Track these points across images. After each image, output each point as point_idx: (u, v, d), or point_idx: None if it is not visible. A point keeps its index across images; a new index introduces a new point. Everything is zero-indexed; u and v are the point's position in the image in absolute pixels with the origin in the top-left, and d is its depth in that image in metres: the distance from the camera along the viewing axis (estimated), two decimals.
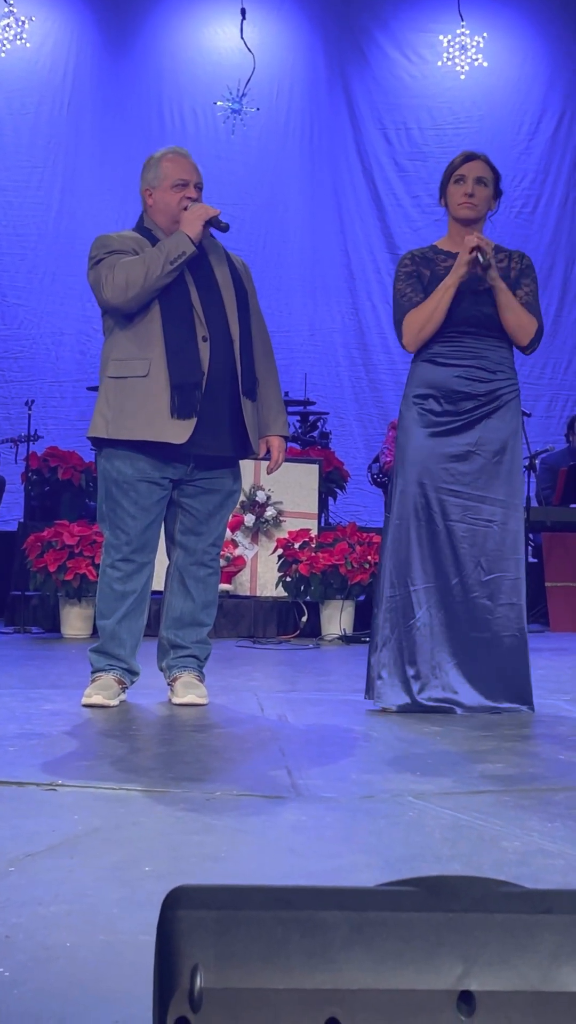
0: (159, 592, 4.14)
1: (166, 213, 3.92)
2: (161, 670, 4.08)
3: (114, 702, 3.83)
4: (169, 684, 4.01)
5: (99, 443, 3.91)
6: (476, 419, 3.88)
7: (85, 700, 3.81)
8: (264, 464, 4.24)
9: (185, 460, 3.86)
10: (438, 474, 3.87)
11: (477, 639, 3.84)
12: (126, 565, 3.89)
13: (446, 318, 3.88)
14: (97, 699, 3.79)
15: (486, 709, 3.80)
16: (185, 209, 3.88)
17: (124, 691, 3.94)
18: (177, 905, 1.01)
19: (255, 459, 4.77)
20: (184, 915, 1.00)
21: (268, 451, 4.12)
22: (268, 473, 4.18)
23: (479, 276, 3.87)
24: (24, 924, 1.62)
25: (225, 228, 3.89)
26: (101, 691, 3.82)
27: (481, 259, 3.79)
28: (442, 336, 3.92)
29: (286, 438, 4.13)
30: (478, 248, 3.78)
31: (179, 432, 3.76)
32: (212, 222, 3.84)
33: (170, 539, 4.04)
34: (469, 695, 3.82)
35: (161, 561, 4.01)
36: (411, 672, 3.83)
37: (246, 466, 5.10)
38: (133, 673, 3.97)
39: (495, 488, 3.88)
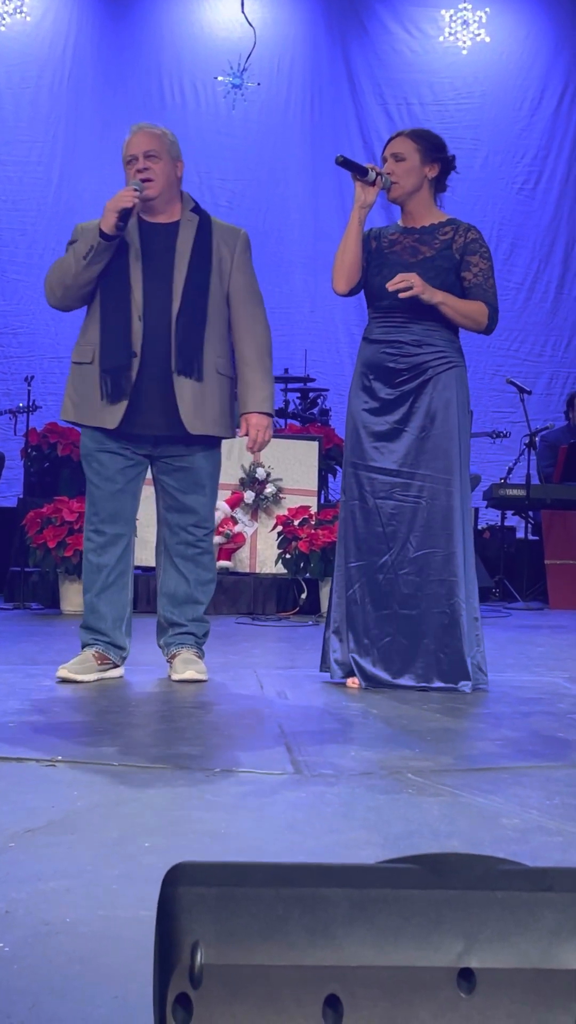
0: (153, 569, 4.14)
1: None
2: (160, 647, 4.08)
3: (87, 677, 3.82)
4: (168, 661, 4.02)
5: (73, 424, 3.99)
6: (404, 395, 3.88)
7: (56, 674, 3.83)
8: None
9: (139, 441, 3.88)
10: (369, 453, 3.91)
11: (406, 616, 3.85)
12: (98, 537, 3.91)
13: (378, 294, 3.91)
14: (63, 672, 3.81)
15: (417, 688, 3.80)
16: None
17: (112, 667, 3.93)
18: (177, 882, 1.01)
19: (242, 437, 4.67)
20: (184, 891, 1.00)
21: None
22: (248, 451, 4.06)
23: (411, 247, 3.90)
24: (24, 899, 1.62)
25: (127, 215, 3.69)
26: (75, 665, 3.83)
27: (372, 176, 3.91)
28: (375, 312, 3.96)
29: (268, 415, 3.96)
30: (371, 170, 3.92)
31: (111, 416, 3.81)
32: (124, 215, 3.69)
33: (158, 517, 4.05)
34: (401, 672, 3.84)
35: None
36: (351, 647, 3.88)
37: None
38: (118, 648, 3.94)
39: (423, 464, 3.86)
